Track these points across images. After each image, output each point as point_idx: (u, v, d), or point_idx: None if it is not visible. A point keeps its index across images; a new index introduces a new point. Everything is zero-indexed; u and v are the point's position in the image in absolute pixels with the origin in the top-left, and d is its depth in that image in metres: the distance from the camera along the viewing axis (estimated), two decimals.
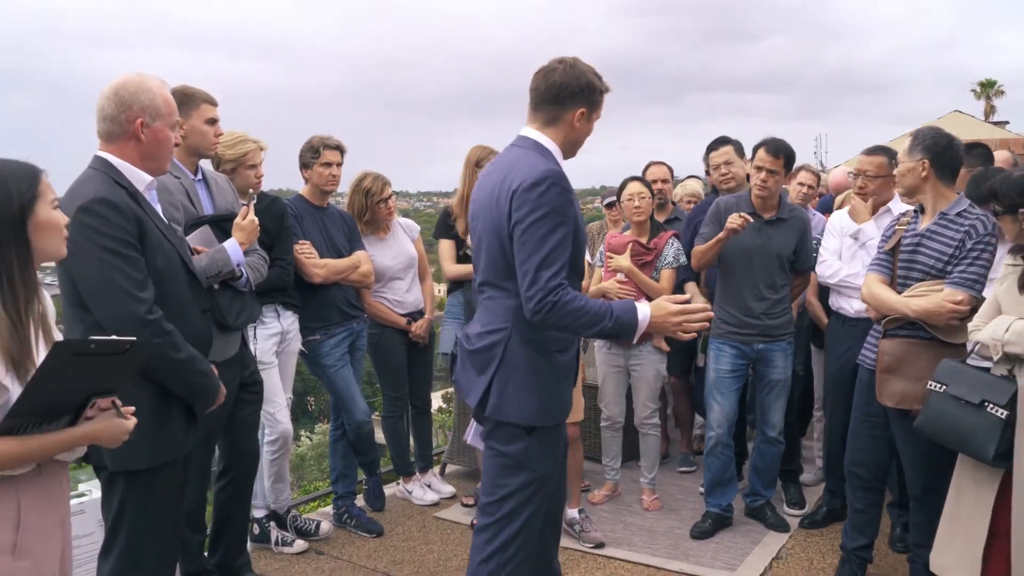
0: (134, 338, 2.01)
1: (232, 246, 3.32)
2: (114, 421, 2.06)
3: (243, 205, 3.51)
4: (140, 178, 2.62)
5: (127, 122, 2.57)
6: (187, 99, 3.38)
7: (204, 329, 2.81)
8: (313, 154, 4.30)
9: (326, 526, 4.39)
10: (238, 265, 3.33)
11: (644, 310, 2.55)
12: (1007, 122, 30.44)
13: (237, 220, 3.40)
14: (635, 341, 2.65)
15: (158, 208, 2.73)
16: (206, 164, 3.70)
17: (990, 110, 41.40)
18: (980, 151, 4.13)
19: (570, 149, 2.69)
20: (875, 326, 3.54)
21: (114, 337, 2.00)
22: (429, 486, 4.99)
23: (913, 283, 3.36)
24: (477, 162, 4.65)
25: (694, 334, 2.64)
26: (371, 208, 4.59)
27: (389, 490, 5.02)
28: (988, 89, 42.77)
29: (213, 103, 3.48)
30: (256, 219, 3.43)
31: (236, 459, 3.58)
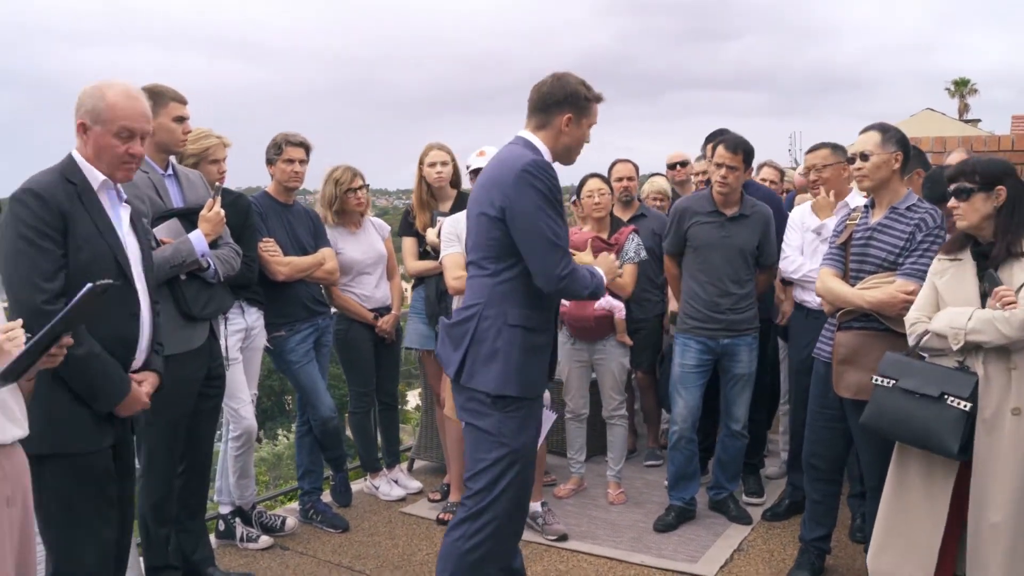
0: (109, 281, 2.29)
1: (197, 237, 3.37)
2: None
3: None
4: (94, 176, 2.72)
5: (76, 121, 2.70)
6: (155, 97, 3.42)
7: (126, 333, 2.79)
8: (276, 150, 4.33)
9: (292, 522, 4.40)
10: (203, 256, 3.37)
11: (598, 271, 2.99)
12: (979, 120, 30.83)
13: (203, 212, 3.44)
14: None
15: (116, 210, 2.79)
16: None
17: (964, 108, 41.86)
18: (914, 152, 4.22)
19: (565, 154, 2.95)
20: (829, 320, 3.59)
21: (102, 282, 2.26)
22: (396, 482, 5.01)
23: (865, 276, 3.42)
24: (420, 159, 4.76)
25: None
26: (340, 197, 4.63)
27: (356, 486, 5.04)
28: (962, 88, 43.27)
29: (182, 101, 3.53)
30: (222, 211, 3.48)
31: (192, 449, 3.57)
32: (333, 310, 4.71)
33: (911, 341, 3.04)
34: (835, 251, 3.58)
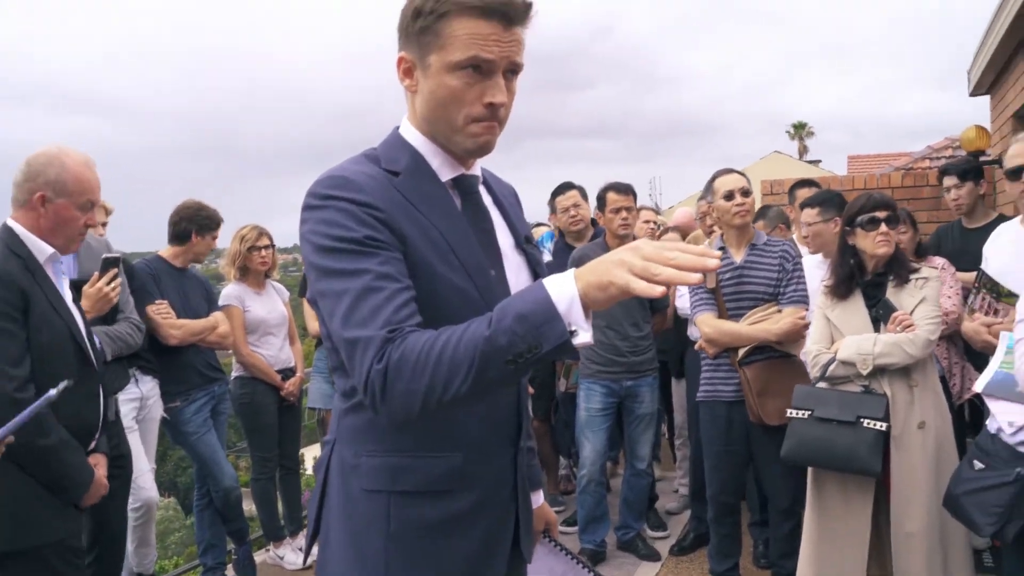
0: (67, 383, 2.12)
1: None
2: None
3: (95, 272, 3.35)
4: (41, 249, 2.56)
5: (29, 192, 2.55)
6: None
7: (88, 415, 2.64)
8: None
9: None
10: None
11: (560, 279, 1.28)
12: (820, 161, 32.97)
13: (85, 288, 3.27)
14: (580, 334, 1.25)
15: (62, 282, 2.65)
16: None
17: (803, 150, 44.56)
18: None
19: (444, 129, 1.52)
20: (708, 362, 3.78)
21: (59, 387, 2.11)
22: (301, 549, 4.86)
23: (745, 311, 3.65)
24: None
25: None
26: (244, 255, 4.63)
27: (259, 557, 4.85)
28: (800, 130, 46.03)
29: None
30: (104, 288, 3.27)
31: (102, 534, 3.37)
32: (235, 374, 4.59)
33: (816, 372, 3.20)
34: (705, 295, 3.75)
